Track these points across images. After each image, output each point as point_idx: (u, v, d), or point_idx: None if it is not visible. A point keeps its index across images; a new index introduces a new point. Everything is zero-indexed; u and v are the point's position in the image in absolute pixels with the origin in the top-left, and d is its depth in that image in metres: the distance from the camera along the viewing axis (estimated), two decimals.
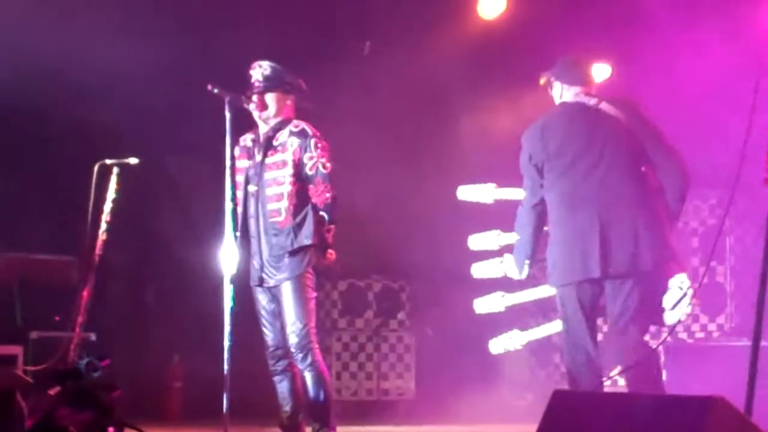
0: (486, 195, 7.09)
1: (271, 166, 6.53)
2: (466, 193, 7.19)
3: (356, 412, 10.58)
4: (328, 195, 6.45)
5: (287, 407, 6.53)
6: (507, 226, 6.71)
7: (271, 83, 6.60)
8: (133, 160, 8.36)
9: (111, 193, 8.32)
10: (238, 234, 6.56)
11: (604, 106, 6.06)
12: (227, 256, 6.49)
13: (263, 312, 6.61)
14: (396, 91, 10.43)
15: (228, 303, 6.46)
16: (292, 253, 6.42)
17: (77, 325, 7.97)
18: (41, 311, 10.22)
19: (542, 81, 6.42)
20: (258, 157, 6.58)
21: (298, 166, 6.47)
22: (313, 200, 6.45)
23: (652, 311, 5.94)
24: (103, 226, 8.19)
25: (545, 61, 6.64)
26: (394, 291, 11.21)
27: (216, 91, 6.52)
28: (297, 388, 6.51)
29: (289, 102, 6.64)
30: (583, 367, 5.89)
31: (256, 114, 6.61)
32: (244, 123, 6.83)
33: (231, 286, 6.46)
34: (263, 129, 6.63)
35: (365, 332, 11.03)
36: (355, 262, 10.60)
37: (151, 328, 11.10)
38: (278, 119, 6.58)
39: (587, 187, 5.96)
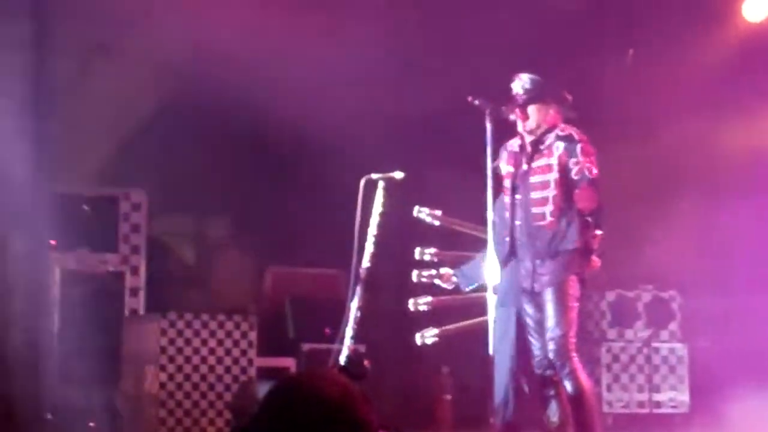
0: None
1: (537, 170, 6.59)
2: None
3: (628, 424, 10.52)
4: (594, 200, 6.50)
5: (554, 418, 6.59)
6: None
7: (532, 95, 6.67)
8: (398, 175, 8.59)
9: (377, 207, 8.58)
10: (505, 241, 6.70)
11: None
12: (489, 266, 6.64)
13: (529, 320, 6.66)
14: (659, 98, 10.36)
15: (491, 313, 6.60)
16: (555, 256, 6.49)
17: (347, 337, 8.26)
18: (312, 324, 10.63)
19: None
20: (524, 166, 6.68)
21: (564, 170, 6.51)
22: (579, 205, 6.50)
23: None
24: (370, 239, 8.46)
25: None
26: (664, 301, 11.09)
27: (477, 102, 6.65)
28: (563, 399, 6.56)
29: (551, 111, 6.70)
30: None
31: (519, 125, 6.72)
32: (506, 134, 6.95)
33: (494, 297, 6.61)
34: (528, 139, 6.72)
35: (635, 343, 10.96)
36: (624, 271, 10.57)
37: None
38: (542, 128, 6.67)
39: None
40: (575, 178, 6.48)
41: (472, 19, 10.18)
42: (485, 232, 7.80)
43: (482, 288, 7.99)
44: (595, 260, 6.59)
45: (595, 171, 6.48)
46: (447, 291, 7.96)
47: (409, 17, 10.29)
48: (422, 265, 8.00)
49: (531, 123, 6.64)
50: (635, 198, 10.43)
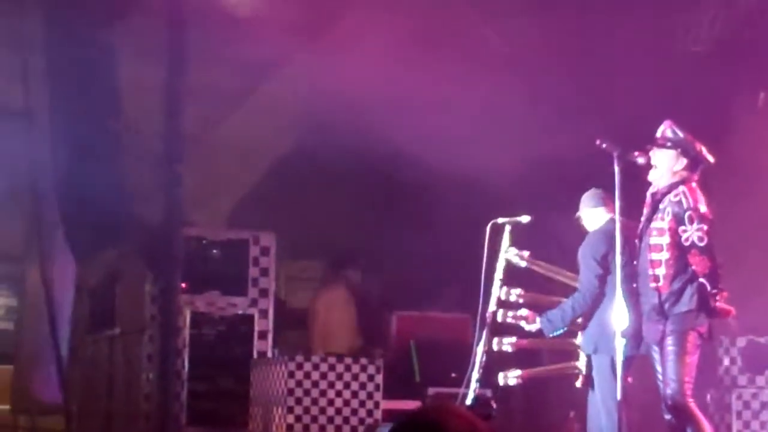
0: None
1: (653, 231, 6.63)
2: None
3: None
4: (705, 266, 6.51)
5: None
6: None
7: (668, 143, 6.68)
8: (525, 218, 8.57)
9: (503, 251, 8.57)
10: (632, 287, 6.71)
11: None
12: (618, 312, 6.63)
13: (657, 367, 6.70)
14: None
15: (620, 356, 6.57)
16: (670, 316, 6.53)
17: (473, 380, 8.23)
18: (438, 368, 10.64)
19: None
20: (644, 215, 6.70)
21: (675, 235, 6.55)
22: (695, 269, 6.53)
23: None
24: (497, 283, 8.44)
25: None
26: None
27: (605, 145, 6.66)
28: None
29: (680, 168, 6.68)
30: None
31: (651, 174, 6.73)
32: (636, 179, 6.93)
33: (624, 341, 6.59)
34: (653, 189, 6.72)
35: (767, 390, 10.75)
36: (756, 317, 10.40)
37: (548, 385, 11.23)
38: (666, 180, 6.66)
39: None
40: (686, 244, 6.52)
41: (602, 64, 10.18)
42: (574, 279, 7.87)
43: (566, 334, 8.04)
44: (728, 309, 6.58)
45: (705, 239, 6.50)
46: (531, 333, 8.01)
47: (540, 63, 10.33)
48: (508, 305, 8.00)
49: (657, 172, 6.64)
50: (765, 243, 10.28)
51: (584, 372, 7.90)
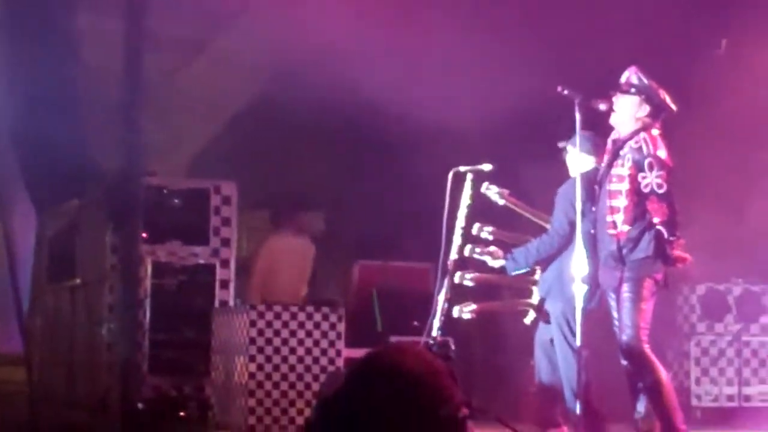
0: None
1: (613, 178, 6.62)
2: None
3: (717, 418, 10.37)
4: (663, 213, 6.50)
5: (640, 408, 6.57)
6: None
7: (632, 89, 6.66)
8: (487, 167, 8.56)
9: (465, 200, 8.57)
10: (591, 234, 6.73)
11: None
12: (578, 257, 6.66)
13: (614, 314, 6.72)
14: (753, 90, 10.26)
15: (580, 303, 6.60)
16: (627, 263, 6.52)
17: (434, 329, 8.26)
18: (400, 317, 10.66)
19: None
20: (605, 161, 6.71)
21: (634, 182, 6.54)
22: (650, 216, 6.53)
23: None
24: (458, 232, 8.45)
25: None
26: (755, 294, 10.96)
27: (566, 92, 6.65)
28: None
29: (643, 114, 6.67)
30: None
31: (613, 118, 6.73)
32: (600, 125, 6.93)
33: (584, 287, 6.62)
34: (614, 135, 6.73)
35: (725, 337, 10.84)
36: (714, 265, 10.46)
37: (508, 332, 11.27)
38: (630, 126, 6.65)
39: None
40: (645, 190, 6.50)
41: (564, 13, 10.16)
42: (548, 221, 7.93)
43: (529, 274, 8.13)
44: (684, 257, 6.59)
45: (664, 186, 6.48)
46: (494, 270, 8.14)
47: (501, 12, 10.28)
48: (479, 242, 8.04)
49: (619, 115, 6.63)
50: (727, 193, 10.32)
51: (535, 310, 8.02)
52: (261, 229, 12.37)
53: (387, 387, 2.78)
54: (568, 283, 7.56)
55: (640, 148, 6.55)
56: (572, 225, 7.64)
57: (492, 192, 8.11)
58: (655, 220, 6.48)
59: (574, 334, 7.57)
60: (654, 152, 6.52)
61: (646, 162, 6.50)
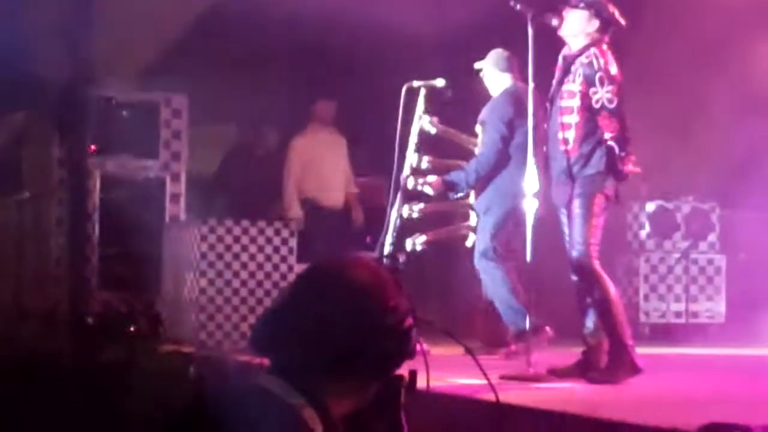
0: None
1: (564, 94, 6.58)
2: None
3: (665, 333, 10.49)
4: (614, 128, 6.43)
5: (589, 323, 6.61)
6: None
7: (581, 4, 6.60)
8: (440, 82, 8.53)
9: (418, 115, 8.55)
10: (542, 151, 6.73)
11: None
12: (529, 174, 6.66)
13: (565, 230, 6.74)
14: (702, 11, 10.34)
15: (530, 220, 6.61)
16: (578, 179, 6.49)
17: (387, 244, 8.27)
18: (353, 232, 10.67)
19: None
20: (556, 78, 6.68)
21: (585, 98, 6.48)
22: (601, 132, 6.49)
23: None
24: (411, 147, 8.44)
25: None
26: (704, 212, 11.03)
27: (518, 7, 6.60)
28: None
29: (592, 29, 6.61)
30: None
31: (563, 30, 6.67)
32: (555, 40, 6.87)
33: (536, 203, 6.64)
34: (565, 51, 6.69)
35: (674, 254, 10.92)
36: (664, 182, 10.52)
37: (461, 248, 11.30)
38: (580, 42, 6.61)
39: None
40: (596, 106, 6.46)
41: None
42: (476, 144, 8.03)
43: (466, 197, 8.21)
44: (634, 170, 6.58)
45: (615, 100, 6.45)
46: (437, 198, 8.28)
47: None
48: (420, 172, 8.11)
49: (568, 28, 6.59)
50: (677, 111, 10.34)
51: (474, 232, 8.11)
52: (214, 145, 12.31)
53: (332, 295, 2.77)
54: (506, 196, 7.71)
55: (590, 63, 6.50)
56: (504, 141, 7.77)
57: (425, 121, 8.17)
58: (607, 135, 6.45)
59: (497, 251, 7.73)
60: (605, 66, 6.48)
61: (597, 77, 6.46)
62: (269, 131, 11.56)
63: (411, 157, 8.26)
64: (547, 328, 7.67)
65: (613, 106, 6.44)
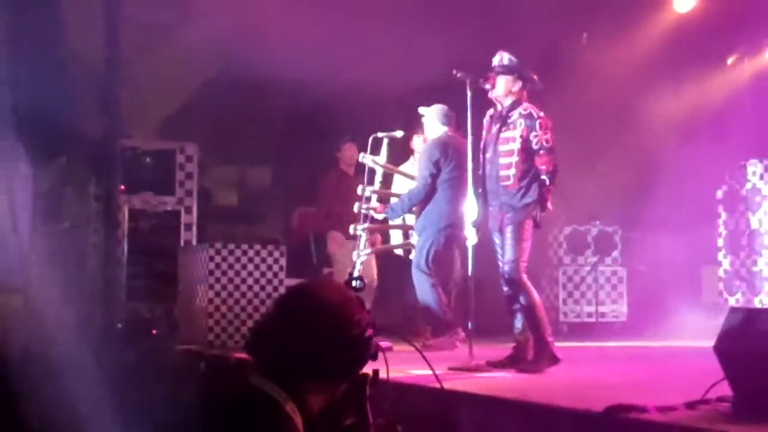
0: None
1: (504, 140, 6.52)
2: None
3: (579, 331, 10.49)
4: (550, 164, 6.38)
5: (518, 324, 6.57)
6: None
7: (505, 70, 6.60)
8: (399, 133, 8.53)
9: (382, 159, 8.53)
10: (479, 190, 6.69)
11: None
12: (469, 207, 6.63)
13: (498, 249, 6.68)
14: (609, 68, 10.36)
15: (472, 241, 6.56)
16: (517, 207, 6.43)
17: (357, 263, 8.25)
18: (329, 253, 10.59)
19: None
20: (494, 129, 6.64)
21: (525, 141, 6.41)
22: (539, 168, 6.40)
23: None
24: (377, 186, 8.42)
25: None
26: (608, 234, 11.06)
27: (459, 75, 6.59)
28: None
29: (518, 85, 6.60)
30: None
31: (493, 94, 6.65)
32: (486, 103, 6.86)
33: (473, 229, 6.59)
34: (499, 107, 6.66)
35: (585, 267, 10.94)
36: (577, 211, 10.55)
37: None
38: (509, 100, 6.59)
39: None
40: (535, 147, 6.41)
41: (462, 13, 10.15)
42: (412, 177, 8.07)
43: (404, 220, 8.47)
44: (549, 207, 6.57)
45: (550, 141, 6.42)
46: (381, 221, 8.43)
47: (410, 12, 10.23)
48: (365, 200, 8.19)
49: (498, 91, 6.57)
50: (585, 153, 10.36)
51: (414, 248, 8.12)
52: (222, 181, 12.28)
53: (308, 312, 2.78)
54: (436, 222, 7.74)
55: (530, 114, 6.46)
56: (433, 177, 7.80)
57: (368, 160, 8.18)
58: (542, 169, 6.42)
59: (428, 265, 7.73)
60: (541, 115, 6.48)
61: (537, 123, 6.41)
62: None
63: (359, 189, 8.30)
64: (460, 330, 7.64)
65: (549, 146, 6.42)
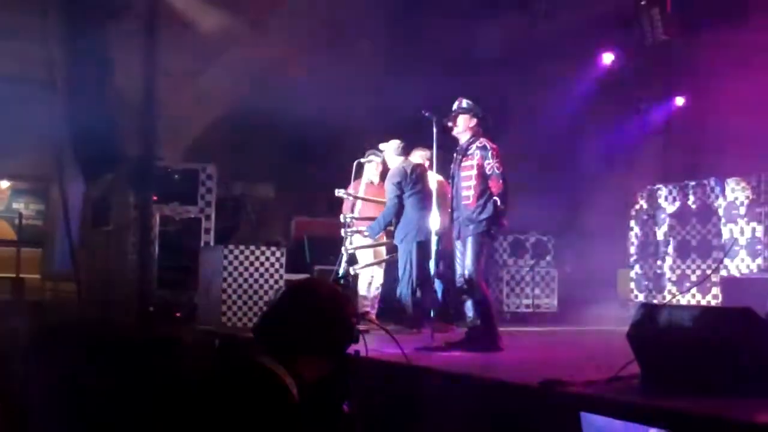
0: None
1: (464, 168, 6.51)
2: None
3: (519, 319, 10.52)
4: (500, 187, 6.37)
5: (470, 313, 6.55)
6: None
7: (463, 111, 6.62)
8: (377, 158, 8.54)
9: (364, 180, 8.54)
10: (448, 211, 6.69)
11: None
12: (434, 220, 6.63)
13: (458, 255, 6.66)
14: (544, 108, 10.42)
15: (434, 248, 6.56)
16: (475, 221, 6.43)
17: (343, 262, 8.22)
18: (321, 253, 10.57)
19: None
20: (457, 160, 6.64)
21: (481, 169, 6.42)
22: (492, 190, 6.42)
23: None
24: (359, 202, 8.42)
25: None
26: (543, 241, 11.11)
27: (427, 114, 6.59)
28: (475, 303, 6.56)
29: (473, 125, 6.60)
30: None
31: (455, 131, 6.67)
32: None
33: (437, 238, 6.60)
34: (461, 142, 6.67)
35: (525, 268, 10.98)
36: (518, 223, 10.57)
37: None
38: (467, 135, 6.59)
39: None
40: (488, 173, 6.41)
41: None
42: (382, 200, 8.02)
43: (383, 237, 8.28)
44: (505, 223, 6.57)
45: (500, 168, 6.42)
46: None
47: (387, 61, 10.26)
48: (346, 225, 8.16)
49: (458, 129, 6.58)
50: (529, 177, 10.40)
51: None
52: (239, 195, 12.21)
53: (305, 304, 2.78)
54: (411, 230, 7.70)
55: (484, 146, 6.47)
56: (398, 197, 7.75)
57: (341, 192, 8.18)
58: (494, 191, 6.42)
59: (413, 266, 7.68)
60: (493, 146, 6.49)
61: (489, 153, 6.41)
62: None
63: (341, 217, 8.29)
64: (425, 322, 7.60)
65: (499, 172, 6.41)
